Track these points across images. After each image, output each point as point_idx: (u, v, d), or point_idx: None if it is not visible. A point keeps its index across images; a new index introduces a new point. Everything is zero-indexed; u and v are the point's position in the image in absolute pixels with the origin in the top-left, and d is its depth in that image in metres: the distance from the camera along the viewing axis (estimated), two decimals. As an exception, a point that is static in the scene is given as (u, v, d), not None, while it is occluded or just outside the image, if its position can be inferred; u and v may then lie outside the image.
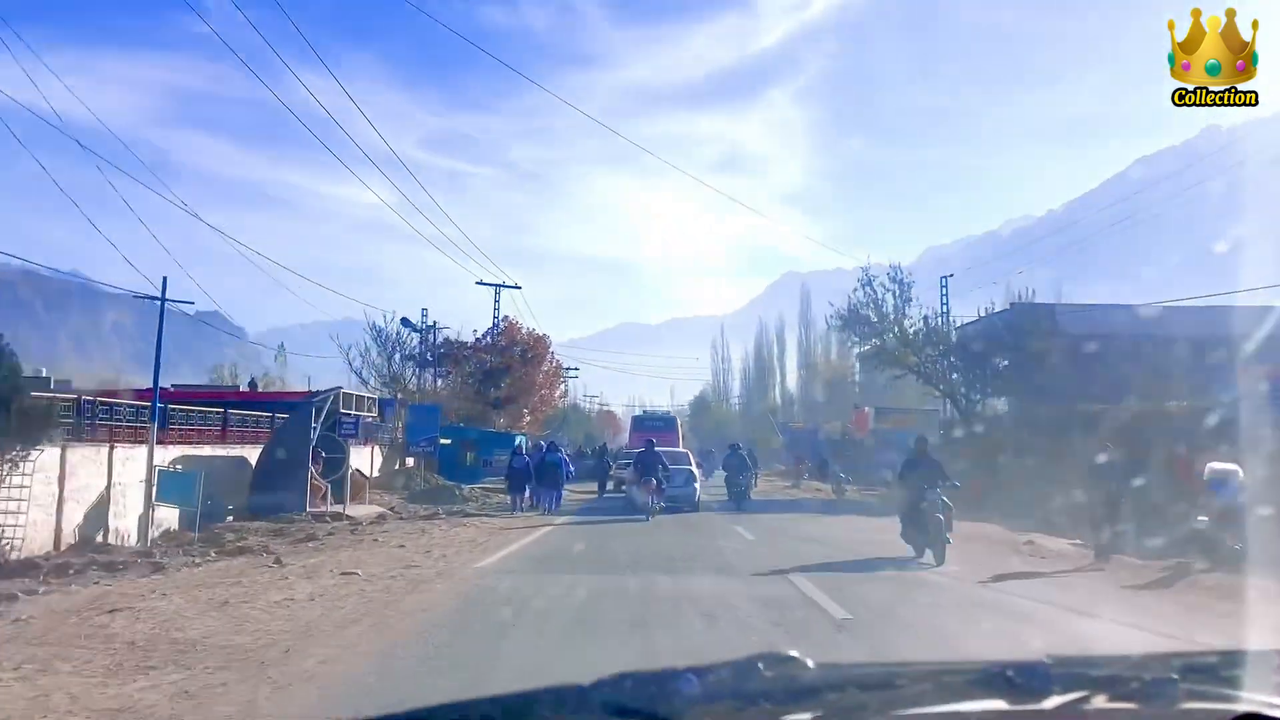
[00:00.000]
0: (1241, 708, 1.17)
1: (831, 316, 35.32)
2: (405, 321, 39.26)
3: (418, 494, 26.58)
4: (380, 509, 21.92)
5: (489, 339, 42.96)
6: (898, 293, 32.08)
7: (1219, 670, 1.28)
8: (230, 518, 18.05)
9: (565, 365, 69.67)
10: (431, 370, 42.15)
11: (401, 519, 20.47)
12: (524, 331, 44.14)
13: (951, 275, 38.58)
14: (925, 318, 33.11)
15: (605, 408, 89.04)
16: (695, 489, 24.13)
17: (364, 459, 27.49)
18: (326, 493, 20.28)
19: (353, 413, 23.80)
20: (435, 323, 41.92)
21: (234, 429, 22.86)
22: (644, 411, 49.07)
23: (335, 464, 21.09)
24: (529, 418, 47.10)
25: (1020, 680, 1.25)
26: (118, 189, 20.69)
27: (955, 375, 32.90)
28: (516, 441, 31.72)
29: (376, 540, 15.43)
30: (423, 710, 1.24)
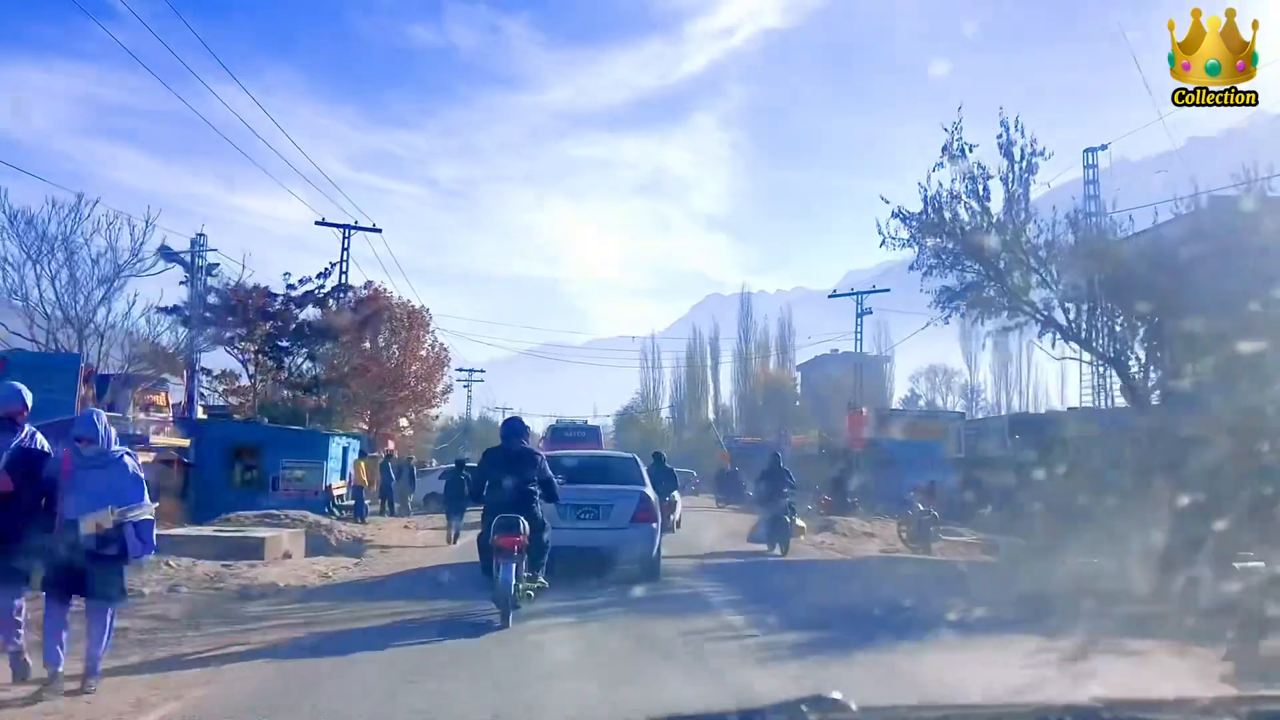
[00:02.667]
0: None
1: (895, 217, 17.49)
2: (166, 252, 23.49)
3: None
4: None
5: (319, 291, 30.91)
6: (1016, 169, 16.64)
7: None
8: None
9: (468, 368, 63.83)
10: (213, 329, 28.03)
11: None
12: (395, 300, 34.03)
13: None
14: (1072, 216, 18.02)
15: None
16: (651, 532, 12.04)
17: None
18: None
19: None
20: (213, 253, 28.72)
21: None
22: (560, 422, 42.65)
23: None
24: (406, 422, 37.99)
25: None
26: None
27: (1122, 323, 17.59)
28: (339, 447, 25.19)
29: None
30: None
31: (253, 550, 13.66)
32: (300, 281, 30.79)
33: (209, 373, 30.62)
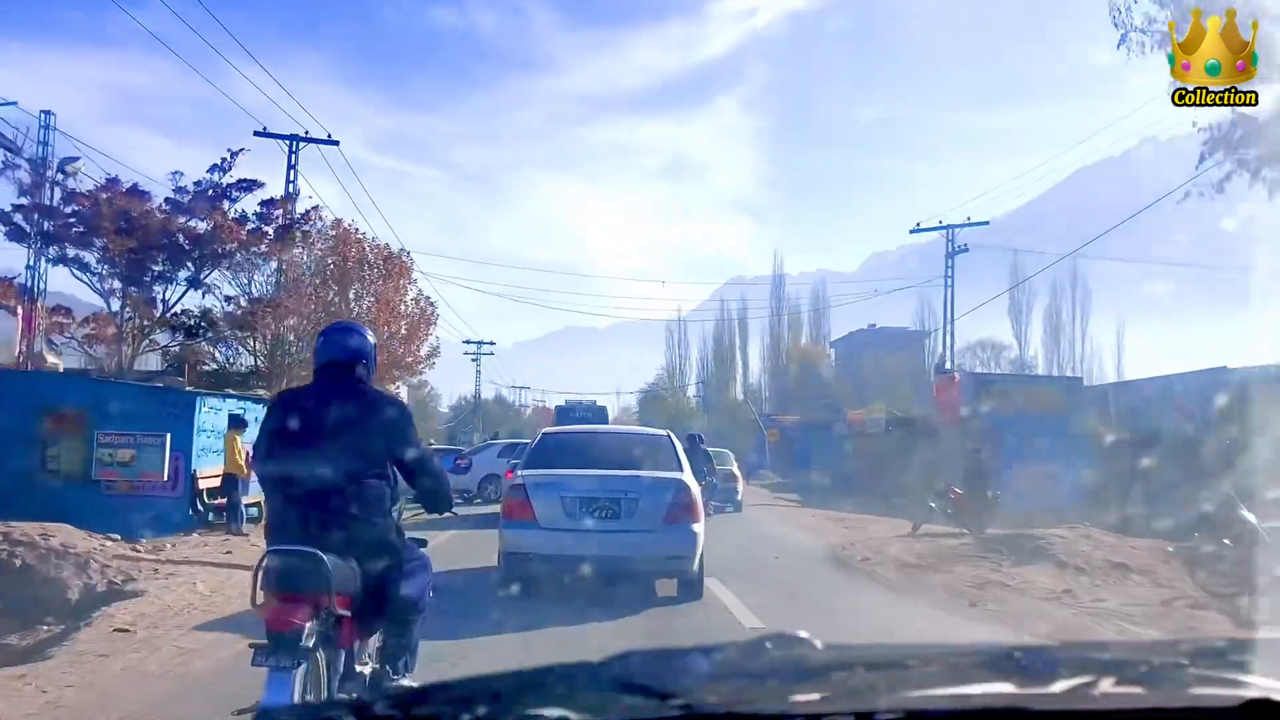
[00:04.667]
0: (1250, 693, 1.17)
1: None
2: None
3: None
4: None
5: (227, 200, 21.98)
6: None
7: (1228, 655, 1.28)
8: None
9: (477, 340, 59.21)
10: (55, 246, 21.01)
11: None
12: (367, 242, 26.61)
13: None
14: None
15: (540, 404, 75.69)
16: (690, 536, 8.88)
17: None
18: None
19: None
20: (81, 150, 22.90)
21: None
22: (569, 402, 41.65)
23: None
24: (397, 385, 30.39)
25: (1027, 663, 1.26)
26: None
27: None
28: (217, 414, 16.11)
29: None
30: (438, 684, 1.24)
31: None
32: (176, 177, 21.68)
33: (67, 312, 22.59)
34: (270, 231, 22.29)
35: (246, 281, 23.80)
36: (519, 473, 9.38)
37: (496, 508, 13.59)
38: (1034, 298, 69.29)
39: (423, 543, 4.59)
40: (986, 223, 37.42)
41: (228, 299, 22.92)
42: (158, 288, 21.69)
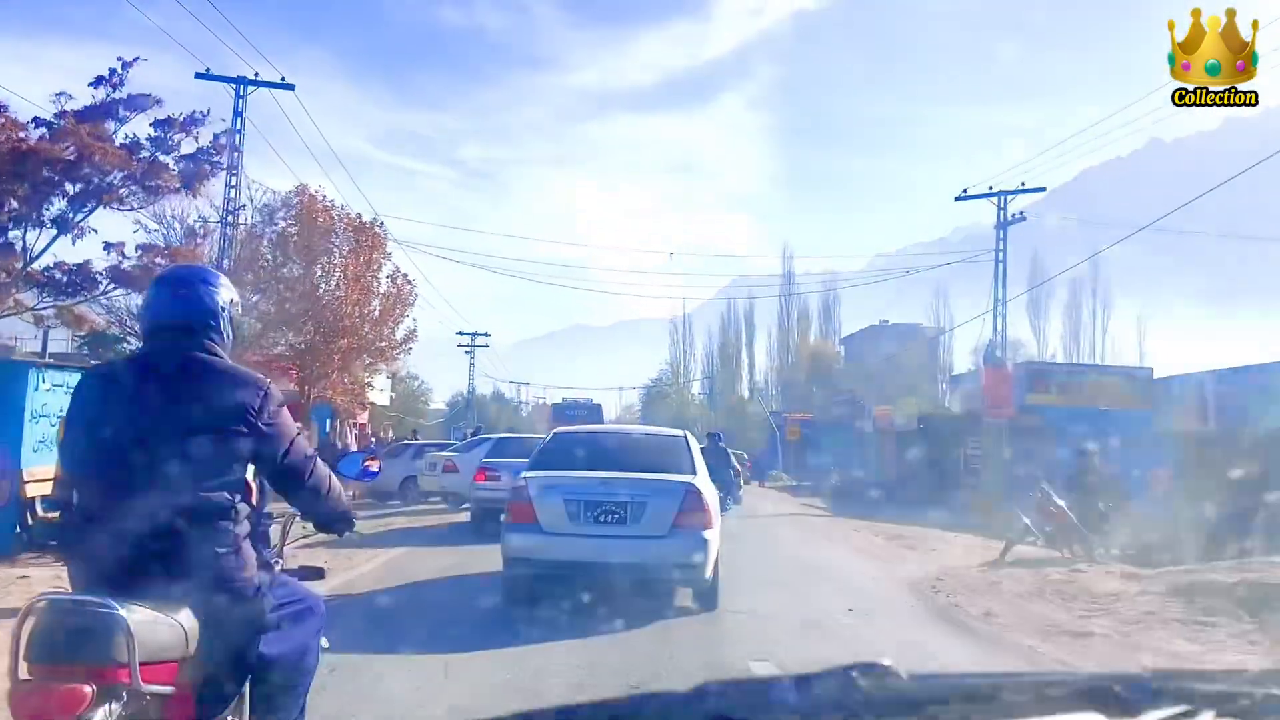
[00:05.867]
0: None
1: None
2: None
3: None
4: None
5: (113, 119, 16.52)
6: None
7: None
8: None
9: (470, 332, 55.30)
10: None
11: None
12: (335, 211, 23.50)
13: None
14: None
15: (540, 400, 73.04)
16: (701, 542, 8.35)
17: None
18: None
19: None
20: None
21: None
22: (565, 400, 41.14)
23: None
24: (377, 377, 27.95)
25: (1124, 694, 1.24)
26: None
27: None
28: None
29: None
30: (522, 713, 1.23)
31: None
32: (60, 100, 16.20)
33: None
34: (171, 164, 17.02)
35: (166, 234, 19.63)
36: (523, 474, 9.11)
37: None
38: (1053, 294, 68.72)
39: (315, 573, 3.54)
40: (1043, 188, 33.88)
41: (108, 246, 17.15)
42: (15, 232, 16.30)
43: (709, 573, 8.42)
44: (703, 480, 8.91)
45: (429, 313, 53.59)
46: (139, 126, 16.93)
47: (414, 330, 26.84)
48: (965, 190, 33.58)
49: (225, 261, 21.35)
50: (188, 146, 17.34)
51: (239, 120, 23.77)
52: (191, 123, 17.38)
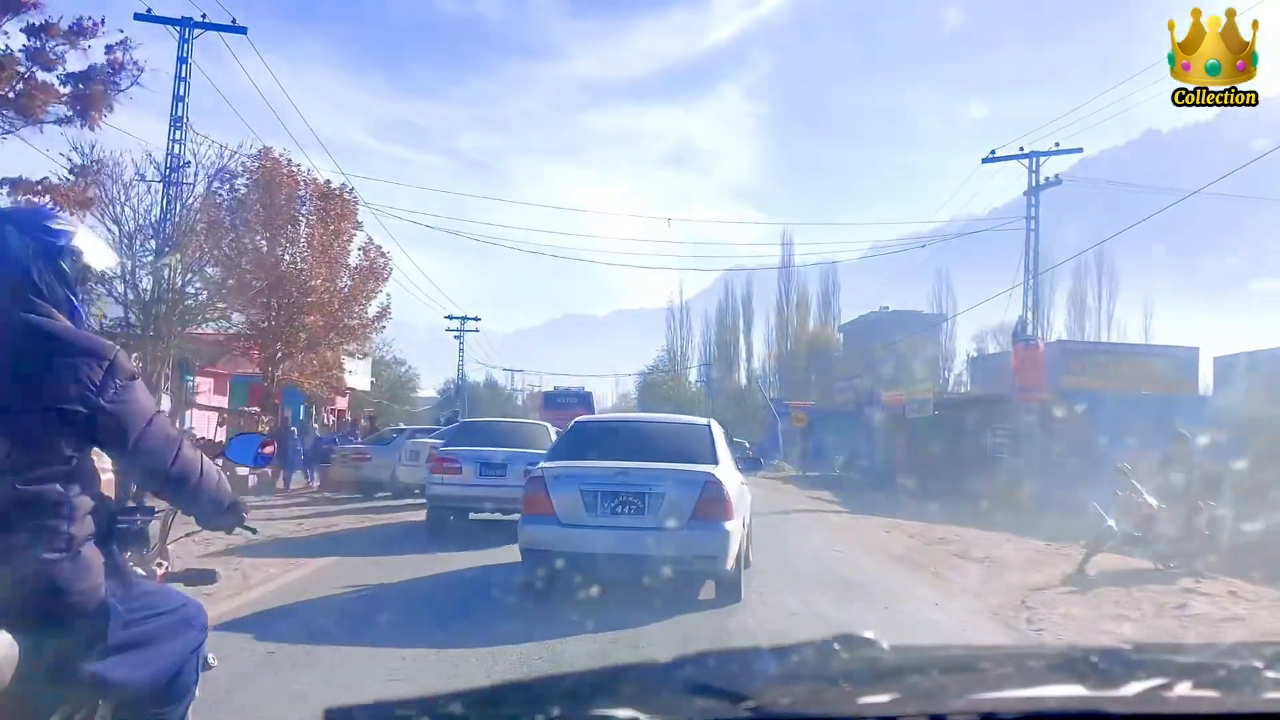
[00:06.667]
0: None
1: None
2: None
3: None
4: None
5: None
6: None
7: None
8: None
9: (460, 316, 53.64)
10: None
11: None
12: (301, 175, 22.13)
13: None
14: None
15: (535, 388, 70.06)
16: (722, 534, 8.09)
17: None
18: None
19: None
20: None
21: None
22: (556, 388, 40.38)
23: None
24: (351, 364, 27.00)
25: (1103, 665, 1.25)
26: None
27: None
28: None
29: None
30: (513, 684, 1.24)
31: None
32: None
33: None
34: (54, 81, 14.47)
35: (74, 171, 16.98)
36: (540, 464, 8.89)
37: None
38: (1057, 281, 68.51)
39: (205, 577, 3.10)
40: (1080, 149, 30.84)
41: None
42: None
43: (730, 564, 8.22)
44: (725, 470, 8.71)
45: (422, 302, 52.87)
46: (11, 38, 13.89)
47: (388, 306, 25.11)
48: (993, 152, 31.55)
49: (166, 224, 19.41)
50: (76, 63, 14.45)
51: (183, 66, 21.09)
52: (79, 31, 14.21)
